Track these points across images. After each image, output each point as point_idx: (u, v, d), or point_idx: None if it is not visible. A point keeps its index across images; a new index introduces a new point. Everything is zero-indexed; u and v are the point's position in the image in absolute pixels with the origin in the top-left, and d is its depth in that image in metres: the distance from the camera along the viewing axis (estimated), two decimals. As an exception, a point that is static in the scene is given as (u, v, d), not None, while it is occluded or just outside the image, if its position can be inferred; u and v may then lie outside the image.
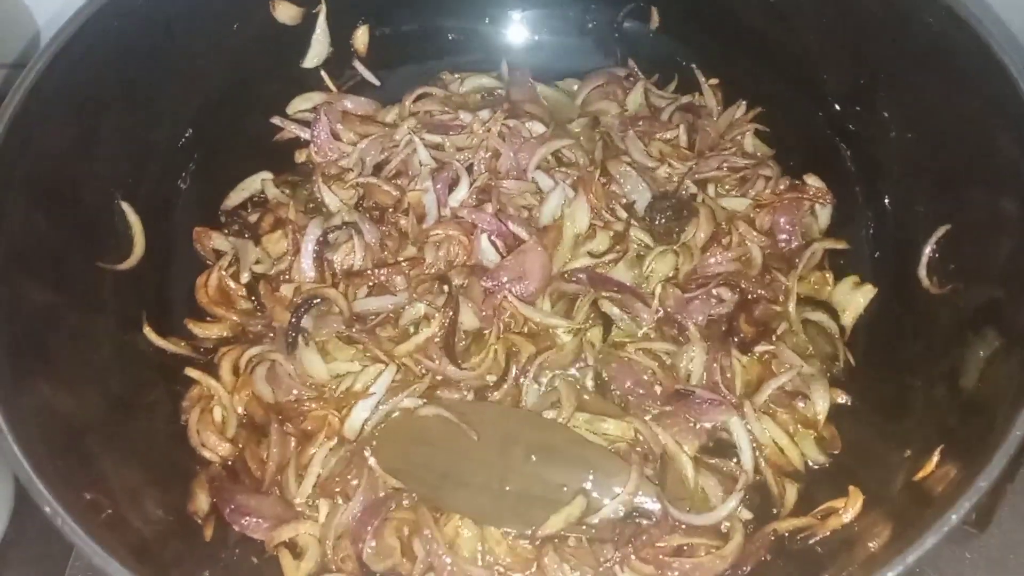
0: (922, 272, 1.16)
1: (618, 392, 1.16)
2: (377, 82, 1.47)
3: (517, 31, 1.52)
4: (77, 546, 0.82)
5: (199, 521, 1.05)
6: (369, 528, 1.05)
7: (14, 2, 1.42)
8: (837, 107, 1.34)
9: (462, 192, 1.30)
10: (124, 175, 1.19)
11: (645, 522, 1.06)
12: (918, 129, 1.22)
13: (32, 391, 0.95)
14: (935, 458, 0.94)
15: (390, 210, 1.30)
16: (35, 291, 1.03)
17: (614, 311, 1.21)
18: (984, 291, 1.07)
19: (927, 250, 1.15)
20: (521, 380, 1.15)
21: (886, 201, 1.28)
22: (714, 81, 1.45)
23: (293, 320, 1.18)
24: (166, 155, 1.27)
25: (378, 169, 1.36)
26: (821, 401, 1.14)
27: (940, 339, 1.11)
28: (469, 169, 1.33)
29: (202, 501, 1.06)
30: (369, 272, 1.22)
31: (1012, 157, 1.05)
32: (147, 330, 1.17)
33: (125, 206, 1.18)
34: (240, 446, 1.14)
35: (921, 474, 0.95)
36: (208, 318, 1.24)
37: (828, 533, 1.02)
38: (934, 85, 1.17)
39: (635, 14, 1.49)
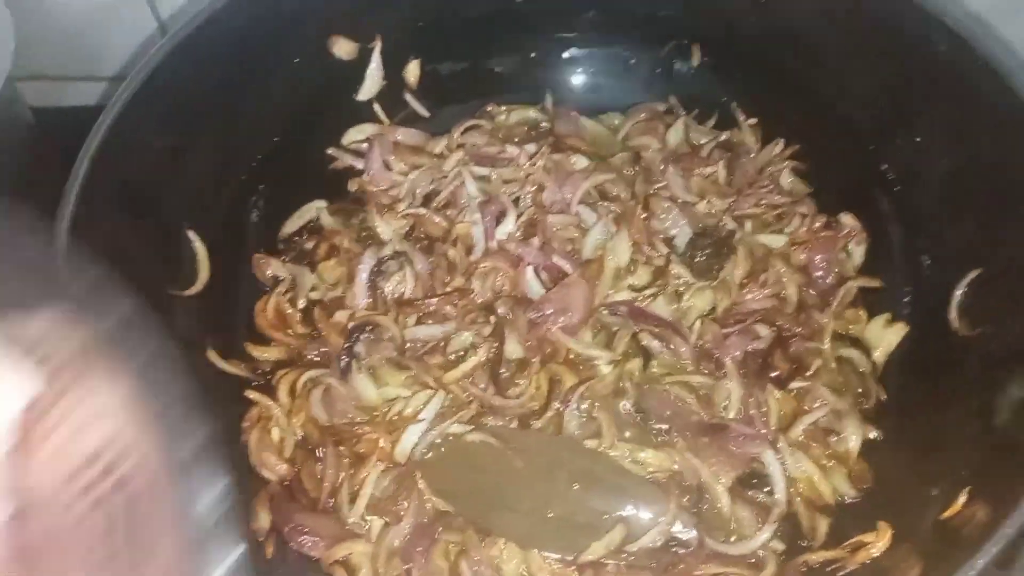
0: (952, 314, 1.19)
1: (657, 422, 1.21)
2: (427, 113, 1.53)
3: (562, 67, 1.58)
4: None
5: (259, 539, 1.11)
6: (420, 548, 1.11)
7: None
8: (872, 147, 1.37)
9: (509, 225, 1.35)
10: (198, 206, 1.26)
11: (681, 551, 1.11)
12: (952, 171, 1.25)
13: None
14: (962, 499, 0.98)
15: (439, 241, 1.36)
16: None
17: (653, 344, 1.26)
18: (1017, 332, 1.11)
19: (958, 293, 1.19)
20: (563, 409, 1.21)
21: (919, 240, 1.31)
22: (752, 121, 1.49)
23: (347, 346, 1.24)
24: (236, 186, 1.34)
25: (427, 199, 1.42)
26: (854, 437, 1.18)
27: (971, 378, 1.14)
28: (515, 202, 1.39)
29: (263, 519, 1.12)
30: (420, 301, 1.28)
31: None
32: (211, 353, 1.23)
33: (191, 235, 1.24)
34: (297, 466, 1.20)
35: (948, 513, 0.99)
36: (266, 341, 1.30)
37: (858, 566, 1.06)
38: (967, 129, 1.21)
39: (677, 52, 1.54)
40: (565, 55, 1.57)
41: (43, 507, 0.58)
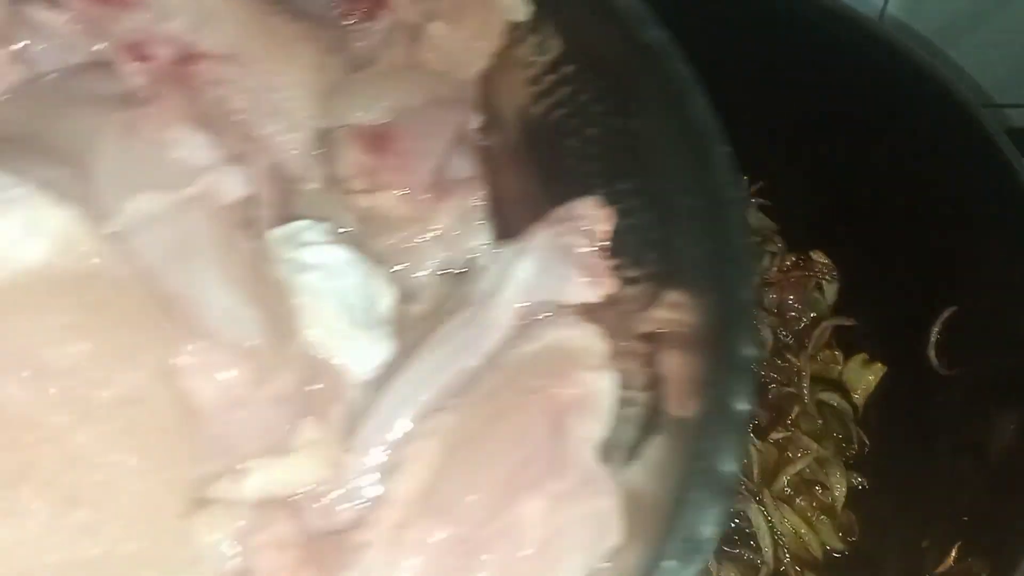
0: (931, 352, 1.16)
1: (637, 480, 1.17)
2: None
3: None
4: None
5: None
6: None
7: None
8: (836, 181, 1.35)
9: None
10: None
11: (671, 618, 1.07)
12: (915, 203, 1.23)
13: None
14: (953, 554, 0.95)
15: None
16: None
17: (631, 396, 1.22)
18: (1001, 364, 1.08)
19: (934, 331, 1.17)
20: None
21: (890, 276, 1.29)
22: (717, 160, 1.46)
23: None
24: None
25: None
26: (838, 485, 1.15)
27: (954, 419, 1.12)
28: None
29: None
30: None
31: (1013, 230, 1.07)
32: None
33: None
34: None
35: (941, 568, 0.96)
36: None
37: (851, 625, 1.03)
38: (927, 158, 1.19)
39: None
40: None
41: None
